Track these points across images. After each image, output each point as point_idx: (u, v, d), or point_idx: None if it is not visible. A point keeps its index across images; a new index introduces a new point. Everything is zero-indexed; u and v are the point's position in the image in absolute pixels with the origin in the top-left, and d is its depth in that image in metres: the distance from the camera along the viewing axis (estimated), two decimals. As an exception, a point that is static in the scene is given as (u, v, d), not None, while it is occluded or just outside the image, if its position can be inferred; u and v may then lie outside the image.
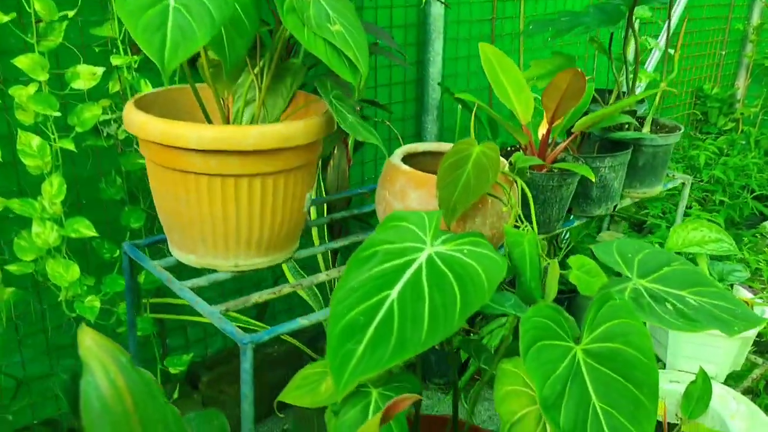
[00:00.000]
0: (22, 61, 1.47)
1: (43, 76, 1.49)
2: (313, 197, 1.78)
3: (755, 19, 4.32)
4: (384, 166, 1.26)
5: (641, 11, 1.98)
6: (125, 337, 1.71)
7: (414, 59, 2.36)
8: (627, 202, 1.65)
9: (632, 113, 1.61)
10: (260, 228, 1.16)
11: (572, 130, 1.37)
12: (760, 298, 1.72)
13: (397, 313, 0.79)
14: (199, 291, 1.15)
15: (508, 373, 0.88)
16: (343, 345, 0.78)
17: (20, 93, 1.47)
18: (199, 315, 1.84)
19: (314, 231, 1.82)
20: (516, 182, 1.19)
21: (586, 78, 1.29)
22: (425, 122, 2.41)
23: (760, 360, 1.77)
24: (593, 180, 1.27)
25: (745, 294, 1.74)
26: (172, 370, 1.82)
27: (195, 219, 1.14)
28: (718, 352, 1.61)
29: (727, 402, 1.50)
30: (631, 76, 1.68)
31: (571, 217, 1.53)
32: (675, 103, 4.30)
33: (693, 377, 1.48)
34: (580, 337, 0.84)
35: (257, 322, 1.79)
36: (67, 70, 1.52)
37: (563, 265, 1.11)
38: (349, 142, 2.05)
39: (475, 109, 1.27)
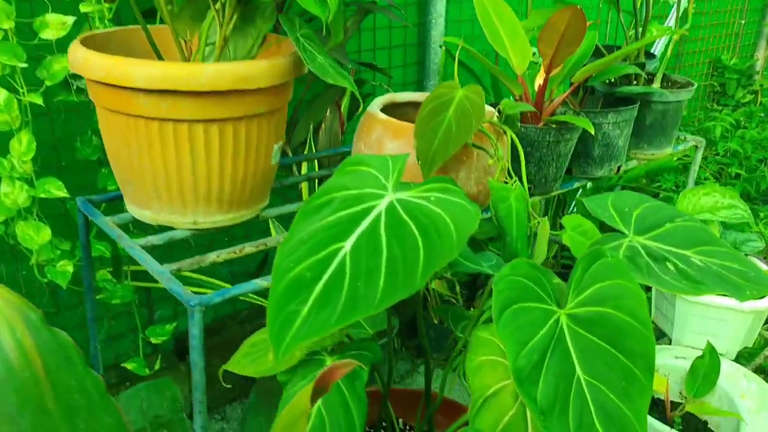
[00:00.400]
0: (-20, 6, 1.35)
1: (9, 24, 1.38)
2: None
3: (777, -13, 4.15)
4: (361, 117, 1.14)
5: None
6: (105, 305, 1.62)
7: (415, 21, 2.23)
8: (633, 163, 1.52)
9: (641, 66, 1.48)
10: (220, 181, 1.05)
11: (572, 81, 1.24)
12: None
13: (350, 269, 0.67)
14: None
15: (483, 341, 0.77)
16: (286, 305, 0.67)
17: (-14, 41, 1.37)
18: (190, 285, 1.75)
19: (305, 189, 1.71)
20: (505, 133, 1.07)
21: (587, 22, 1.16)
22: (427, 87, 2.29)
23: (773, 336, 1.65)
24: (592, 133, 1.14)
25: (761, 265, 1.61)
26: (153, 340, 1.74)
27: (147, 170, 1.03)
28: (728, 326, 1.49)
29: (737, 380, 1.38)
30: (641, 28, 1.54)
31: (570, 178, 1.41)
32: (692, 74, 4.14)
33: (700, 353, 1.36)
34: (564, 301, 0.72)
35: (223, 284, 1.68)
36: (35, 19, 1.41)
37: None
38: (342, 104, 1.94)
39: (457, 54, 1.14)
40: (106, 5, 1.49)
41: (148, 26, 1.26)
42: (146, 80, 0.93)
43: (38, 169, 1.45)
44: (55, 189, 1.46)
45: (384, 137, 1.05)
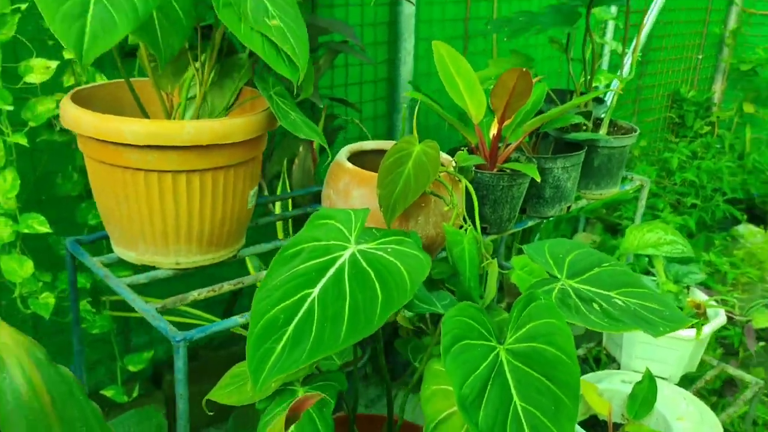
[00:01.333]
0: (-27, 55, 1.44)
1: (-6, 70, 1.47)
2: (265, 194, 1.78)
3: (732, 24, 4.36)
4: (330, 165, 1.25)
5: (603, 13, 1.97)
6: (85, 333, 1.69)
7: (385, 57, 2.35)
8: (583, 203, 1.65)
9: (587, 115, 1.61)
10: (200, 225, 1.14)
11: (522, 130, 1.36)
12: (715, 300, 1.72)
13: (318, 312, 0.78)
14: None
15: (436, 372, 0.87)
16: (263, 343, 0.77)
17: (-27, 87, 1.46)
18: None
19: (279, 227, 1.81)
20: (460, 181, 1.18)
21: (533, 77, 1.28)
22: (396, 121, 2.41)
23: (715, 361, 1.78)
24: (538, 180, 1.26)
25: (700, 296, 1.75)
26: (131, 368, 1.81)
27: (134, 215, 1.13)
28: (671, 353, 1.61)
29: (676, 403, 1.50)
30: (590, 76, 1.68)
31: (524, 217, 1.53)
32: (651, 106, 4.32)
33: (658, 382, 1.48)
34: (504, 337, 0.83)
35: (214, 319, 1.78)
36: (20, 63, 1.50)
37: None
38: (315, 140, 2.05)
39: (416, 112, 1.26)
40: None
41: (131, 79, 1.37)
42: (133, 137, 1.03)
43: (21, 205, 1.53)
44: (38, 224, 1.55)
45: (351, 185, 1.16)
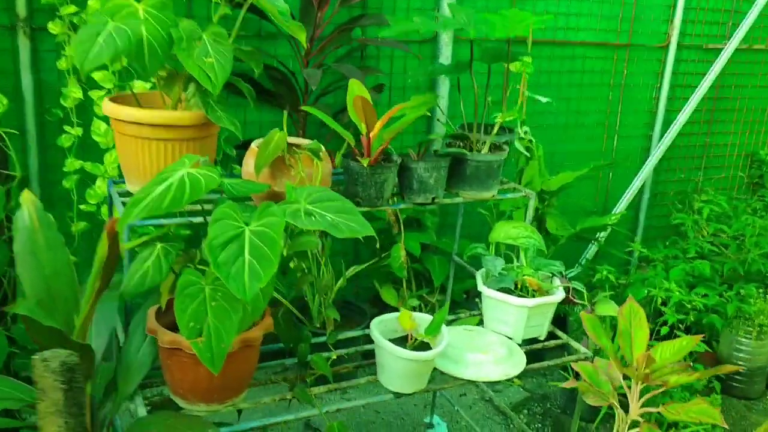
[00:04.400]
0: (97, 75, 2.45)
1: (109, 85, 2.48)
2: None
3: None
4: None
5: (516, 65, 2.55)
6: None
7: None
8: (459, 199, 2.27)
9: (464, 137, 2.27)
10: (166, 172, 2.00)
11: (383, 138, 2.07)
12: (553, 285, 2.24)
13: (155, 196, 1.59)
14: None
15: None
16: (136, 204, 1.59)
17: (97, 94, 2.47)
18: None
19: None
20: (315, 160, 1.93)
21: (371, 101, 2.00)
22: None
23: (564, 336, 2.30)
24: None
25: (556, 282, 2.28)
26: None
27: (139, 164, 2.00)
28: (511, 316, 2.17)
29: (493, 345, 2.09)
30: (483, 113, 2.33)
31: (399, 200, 2.21)
32: (722, 164, 4.59)
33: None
34: (250, 223, 1.58)
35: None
36: (126, 83, 2.48)
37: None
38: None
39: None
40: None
41: (152, 91, 2.27)
42: (129, 116, 1.92)
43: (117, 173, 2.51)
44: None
45: (250, 156, 1.96)
